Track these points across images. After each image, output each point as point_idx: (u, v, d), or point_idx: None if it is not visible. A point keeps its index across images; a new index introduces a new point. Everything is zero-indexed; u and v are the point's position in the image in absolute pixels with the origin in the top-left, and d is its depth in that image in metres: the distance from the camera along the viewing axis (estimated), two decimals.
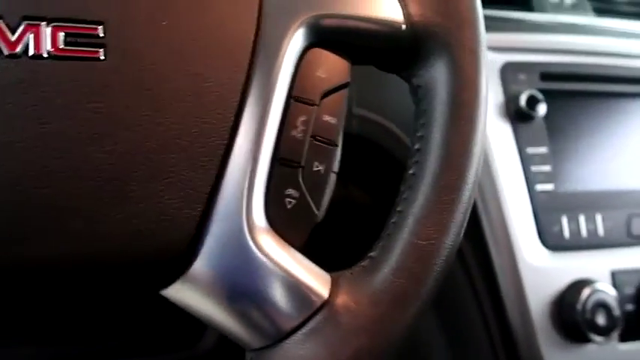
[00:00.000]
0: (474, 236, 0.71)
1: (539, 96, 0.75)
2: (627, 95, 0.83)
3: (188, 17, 0.36)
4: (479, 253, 0.71)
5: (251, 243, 0.35)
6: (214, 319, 0.36)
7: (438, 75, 0.42)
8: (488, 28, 0.81)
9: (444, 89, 0.42)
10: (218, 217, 0.35)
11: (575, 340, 0.69)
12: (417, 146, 0.41)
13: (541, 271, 0.70)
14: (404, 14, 0.42)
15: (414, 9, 0.42)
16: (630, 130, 0.81)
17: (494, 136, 0.74)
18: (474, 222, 0.71)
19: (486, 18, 0.81)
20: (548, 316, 0.69)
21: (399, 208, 0.40)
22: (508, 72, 0.77)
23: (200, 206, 0.35)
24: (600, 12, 0.91)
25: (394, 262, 0.37)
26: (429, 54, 0.42)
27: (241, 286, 0.35)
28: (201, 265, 0.35)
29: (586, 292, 0.68)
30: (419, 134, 0.41)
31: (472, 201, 0.40)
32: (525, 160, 0.74)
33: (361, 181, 0.79)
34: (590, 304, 0.68)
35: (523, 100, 0.74)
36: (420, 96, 0.43)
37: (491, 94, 0.77)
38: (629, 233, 0.76)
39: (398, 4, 0.42)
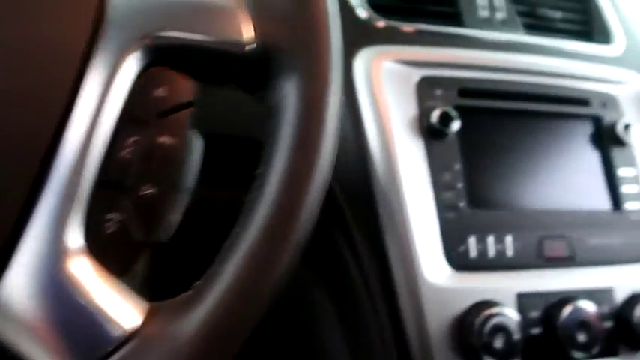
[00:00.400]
0: (377, 252, 0.70)
1: (453, 113, 0.74)
2: (547, 115, 0.82)
3: (15, 26, 0.35)
4: (381, 270, 0.69)
5: (60, 266, 0.34)
6: (18, 343, 0.35)
7: (285, 98, 0.41)
8: (409, 43, 0.82)
9: (290, 113, 0.40)
10: (32, 235, 0.34)
11: None
12: (259, 169, 0.40)
13: (444, 291, 0.69)
14: (252, 34, 0.41)
15: (261, 29, 0.41)
16: (547, 150, 0.80)
17: (405, 152, 0.72)
18: (377, 237, 0.70)
19: (411, 32, 0.81)
20: (447, 338, 0.68)
21: (236, 230, 0.38)
22: (424, 87, 0.76)
23: (11, 222, 0.34)
24: (532, 28, 0.90)
25: (217, 294, 0.36)
26: (277, 76, 0.41)
27: (43, 310, 0.34)
28: (10, 281, 0.34)
29: (485, 314, 0.67)
30: (263, 157, 0.40)
31: (307, 234, 0.39)
32: (436, 177, 0.73)
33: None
34: (488, 327, 0.66)
35: (435, 117, 0.73)
36: (270, 117, 0.42)
37: (405, 110, 0.76)
38: (539, 255, 0.75)
39: (246, 24, 0.41)
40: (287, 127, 0.39)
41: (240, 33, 0.41)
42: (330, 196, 0.75)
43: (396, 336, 0.68)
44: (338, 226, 0.72)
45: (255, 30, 0.41)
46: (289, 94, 0.40)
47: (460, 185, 0.73)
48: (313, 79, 0.40)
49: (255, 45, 0.41)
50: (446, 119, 0.74)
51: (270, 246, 0.37)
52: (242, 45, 0.40)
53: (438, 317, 0.68)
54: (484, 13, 0.88)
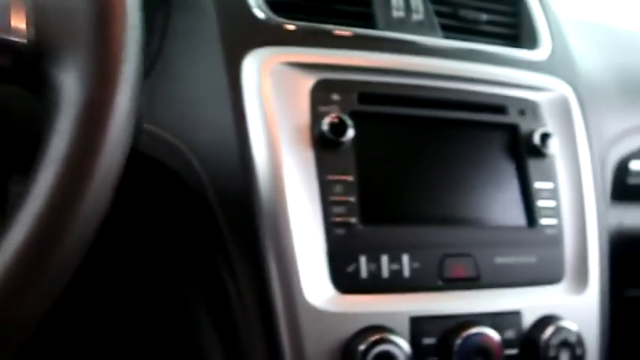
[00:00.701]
0: (255, 272, 0.63)
1: (348, 120, 0.68)
2: (458, 123, 0.76)
3: None
4: (258, 291, 0.63)
5: None
6: None
7: (63, 98, 0.35)
8: (306, 44, 0.76)
9: (66, 117, 0.35)
10: None
11: None
12: (35, 165, 0.35)
13: (327, 316, 0.63)
14: (24, 27, 0.35)
15: (37, 21, 0.36)
16: (456, 161, 0.74)
17: (293, 163, 0.66)
18: (256, 256, 0.64)
19: (310, 33, 0.75)
20: None
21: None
22: (319, 92, 0.70)
23: None
24: (453, 31, 0.85)
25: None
26: (55, 73, 0.36)
27: None
28: None
29: (370, 341, 0.61)
30: (39, 156, 0.35)
31: (71, 250, 0.34)
32: (325, 190, 0.66)
33: (149, 205, 0.72)
34: (371, 356, 0.61)
35: (326, 124, 0.67)
36: (47, 118, 0.36)
37: (296, 116, 0.70)
38: (440, 276, 0.69)
39: (18, 15, 0.35)
40: (62, 132, 0.34)
41: (9, 26, 0.35)
42: (207, 211, 0.69)
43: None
44: (216, 243, 0.66)
45: (28, 22, 0.35)
46: (67, 94, 0.35)
47: (353, 199, 0.67)
48: (96, 79, 0.35)
49: (27, 39, 0.35)
50: (339, 127, 0.67)
51: (28, 261, 0.34)
52: (12, 39, 0.35)
53: (319, 344, 0.62)
54: (399, 14, 0.82)
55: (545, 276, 0.74)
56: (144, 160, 0.69)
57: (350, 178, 0.68)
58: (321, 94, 0.70)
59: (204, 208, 0.66)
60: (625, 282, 1.11)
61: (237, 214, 0.65)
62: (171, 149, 0.68)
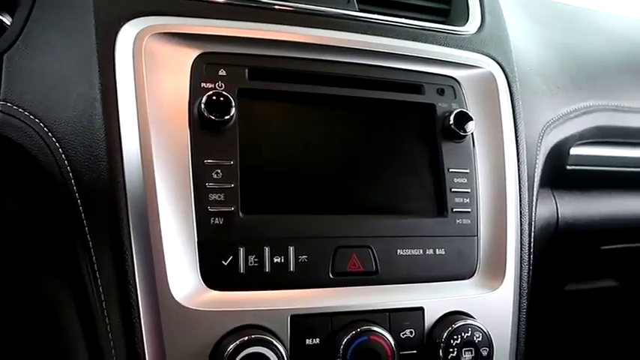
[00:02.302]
0: (117, 265, 0.57)
1: (231, 98, 0.61)
2: (367, 102, 0.69)
3: None
4: (119, 286, 0.56)
5: None
6: None
7: None
8: (192, 14, 0.68)
9: None
10: None
11: None
12: None
13: (197, 315, 0.56)
14: None
15: None
16: (361, 144, 0.67)
17: (165, 144, 0.59)
18: (118, 249, 0.57)
19: (199, 3, 0.68)
20: None
21: None
22: (203, 66, 0.63)
23: None
24: (373, 4, 0.78)
25: None
26: None
27: None
28: None
29: (238, 343, 0.54)
30: None
31: None
32: (201, 175, 0.60)
33: (8, 187, 0.65)
34: (239, 359, 0.55)
35: (205, 103, 0.60)
36: None
37: (175, 93, 0.62)
38: (332, 270, 0.62)
39: None
40: None
41: None
42: (65, 195, 0.62)
43: None
44: (75, 231, 0.60)
45: None
46: None
47: (233, 185, 0.60)
48: None
49: None
50: (220, 106, 0.60)
51: None
52: None
53: (184, 345, 0.56)
54: None
55: (455, 271, 0.68)
56: None
57: (230, 162, 0.61)
58: (204, 69, 0.63)
59: (61, 193, 0.60)
60: (567, 276, 1.06)
61: (98, 199, 0.58)
62: (28, 130, 0.62)
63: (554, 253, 0.93)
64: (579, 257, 1.00)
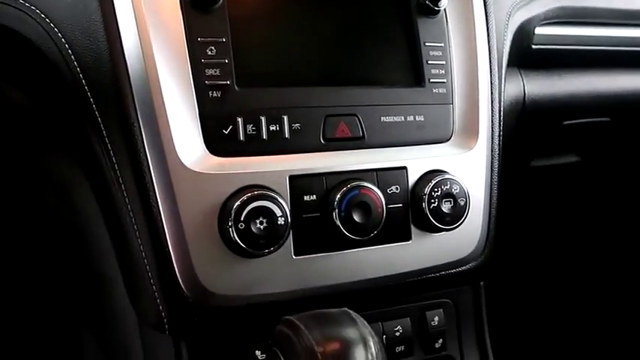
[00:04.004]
0: (126, 138, 0.62)
1: None
2: None
3: None
4: (130, 156, 0.61)
5: None
6: None
7: None
8: None
9: None
10: None
11: (238, 254, 0.62)
12: None
13: (203, 178, 0.62)
14: None
15: None
16: (341, 19, 0.71)
17: (162, 26, 0.62)
18: (125, 122, 0.61)
19: None
20: (203, 226, 0.61)
21: None
22: None
23: None
24: None
25: None
26: None
27: None
28: None
29: (244, 198, 0.61)
30: None
31: None
32: (196, 52, 0.63)
33: (16, 79, 0.68)
34: (245, 212, 0.60)
35: None
36: None
37: None
38: (323, 135, 0.68)
39: None
40: None
41: None
42: (71, 77, 0.66)
43: (149, 225, 0.62)
44: (83, 110, 0.64)
45: None
46: None
47: (226, 61, 0.64)
48: None
49: None
50: None
51: None
52: None
53: (194, 204, 0.62)
54: None
55: (433, 135, 0.74)
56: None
57: (223, 40, 0.65)
58: None
59: (66, 77, 0.63)
60: (532, 152, 1.15)
61: (102, 80, 0.62)
62: (26, 18, 0.64)
63: (522, 130, 1.01)
64: (544, 133, 1.08)
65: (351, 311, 0.56)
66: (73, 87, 0.64)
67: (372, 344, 0.52)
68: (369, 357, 0.51)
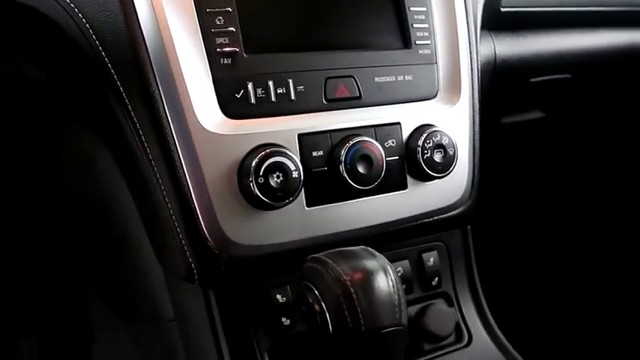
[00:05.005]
0: (147, 104, 0.66)
1: None
2: None
3: None
4: (152, 123, 0.66)
5: None
6: None
7: None
8: None
9: None
10: None
11: (257, 207, 0.68)
12: None
13: (221, 139, 0.67)
14: None
15: None
16: None
17: None
18: (146, 90, 0.66)
19: None
20: (225, 183, 0.67)
21: None
22: None
23: None
24: None
25: None
26: None
27: None
28: None
29: (261, 155, 0.67)
30: None
31: None
32: (205, 21, 0.68)
33: (33, 56, 0.71)
34: (263, 167, 0.66)
35: None
36: None
37: None
38: (325, 97, 0.74)
39: None
40: None
41: None
42: (92, 52, 0.70)
43: (175, 185, 0.67)
44: (105, 82, 0.68)
45: None
46: None
47: (234, 29, 0.69)
48: None
49: None
50: None
51: None
52: None
53: (215, 163, 0.67)
54: None
55: (422, 92, 0.82)
56: (20, 11, 0.67)
57: (229, 9, 0.70)
58: None
59: (86, 51, 0.67)
60: (502, 109, 1.24)
61: (122, 50, 0.66)
62: None
63: (493, 89, 1.09)
64: (513, 91, 1.17)
65: (369, 248, 0.63)
66: (95, 60, 0.68)
67: (391, 272, 0.59)
68: (390, 282, 0.58)
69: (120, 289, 0.89)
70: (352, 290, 0.57)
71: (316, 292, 0.59)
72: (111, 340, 0.97)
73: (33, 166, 0.82)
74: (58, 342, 1.09)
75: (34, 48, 0.71)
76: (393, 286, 0.59)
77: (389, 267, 0.59)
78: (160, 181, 0.68)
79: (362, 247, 0.63)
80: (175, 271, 0.72)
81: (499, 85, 1.12)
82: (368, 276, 0.58)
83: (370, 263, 0.59)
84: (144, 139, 0.68)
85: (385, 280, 0.58)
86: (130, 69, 0.67)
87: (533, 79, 1.17)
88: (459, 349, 0.89)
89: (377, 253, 0.61)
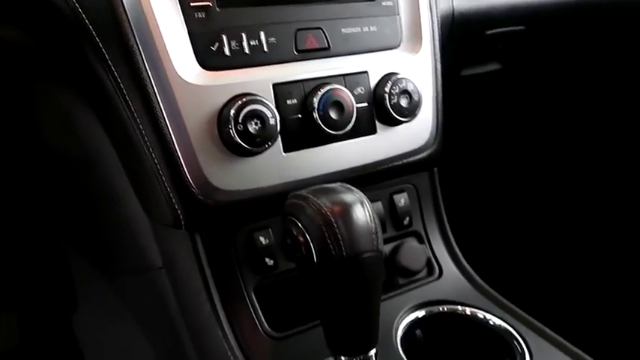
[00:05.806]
0: (126, 58, 0.69)
1: None
2: None
3: None
4: (132, 76, 0.69)
5: None
6: None
7: None
8: None
9: None
10: None
11: (237, 153, 0.72)
12: None
13: (199, 90, 0.71)
14: None
15: None
16: None
17: None
18: (124, 41, 0.68)
19: None
20: (206, 132, 0.71)
21: None
22: None
23: None
24: None
25: None
26: None
27: None
28: None
29: (239, 104, 0.71)
30: None
31: None
32: None
33: (9, 16, 0.72)
34: (242, 115, 0.70)
35: None
36: None
37: None
38: (295, 48, 0.78)
39: None
40: None
41: None
42: (72, 14, 0.71)
43: (158, 135, 0.70)
44: (84, 39, 0.70)
45: None
46: None
47: None
48: None
49: None
50: None
51: None
52: None
53: (195, 113, 0.71)
54: None
55: (386, 42, 0.86)
56: None
57: None
58: None
59: (65, 10, 0.68)
60: (461, 62, 1.29)
61: (99, 8, 0.68)
62: None
63: (452, 41, 1.14)
64: (471, 43, 1.22)
65: (346, 184, 0.67)
66: (72, 18, 0.69)
67: (367, 204, 0.64)
68: (367, 213, 0.63)
69: (104, 244, 0.92)
70: (333, 220, 0.62)
71: (300, 224, 0.63)
72: (95, 300, 1.00)
73: (9, 126, 0.83)
74: (38, 312, 1.11)
75: (9, 8, 0.72)
76: (370, 217, 0.64)
77: (365, 200, 0.64)
78: (144, 132, 0.71)
79: (339, 183, 0.67)
80: (162, 220, 0.76)
81: (457, 38, 1.17)
82: (347, 207, 0.62)
83: (348, 196, 0.64)
84: (125, 92, 0.70)
85: (363, 211, 0.63)
86: (108, 25, 0.69)
87: (488, 32, 1.22)
88: (431, 282, 0.96)
89: (354, 188, 0.66)
